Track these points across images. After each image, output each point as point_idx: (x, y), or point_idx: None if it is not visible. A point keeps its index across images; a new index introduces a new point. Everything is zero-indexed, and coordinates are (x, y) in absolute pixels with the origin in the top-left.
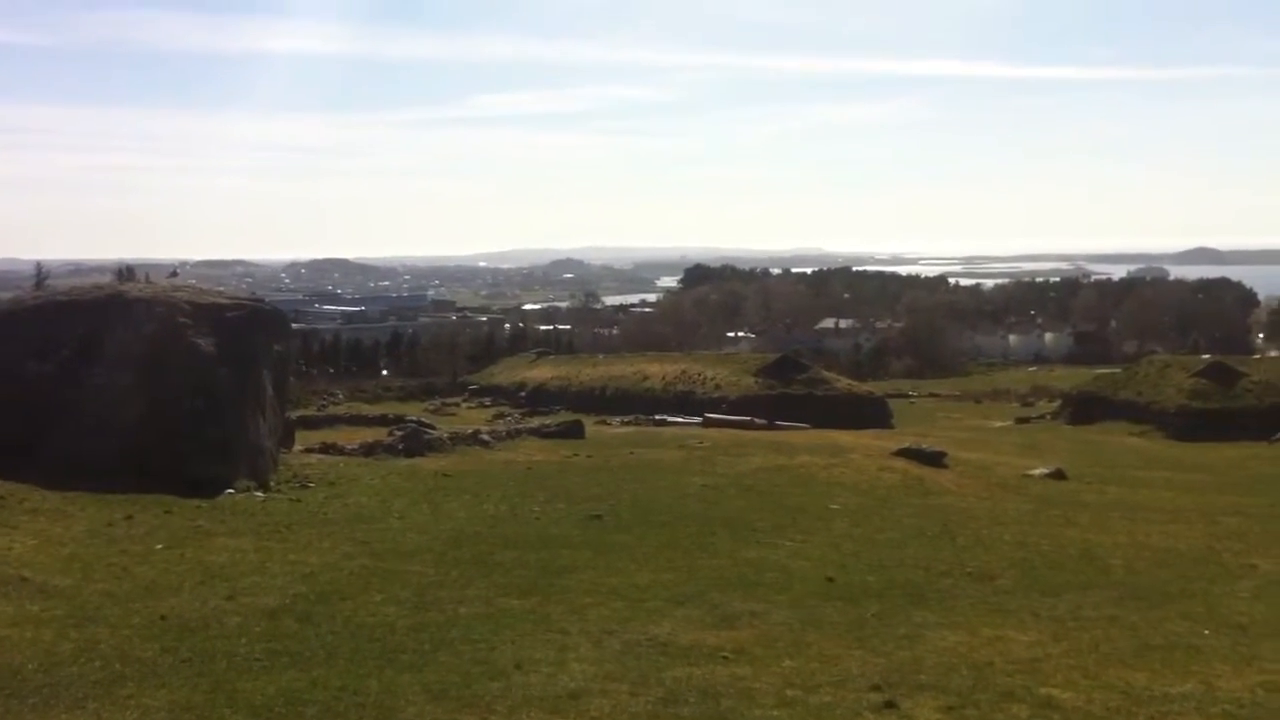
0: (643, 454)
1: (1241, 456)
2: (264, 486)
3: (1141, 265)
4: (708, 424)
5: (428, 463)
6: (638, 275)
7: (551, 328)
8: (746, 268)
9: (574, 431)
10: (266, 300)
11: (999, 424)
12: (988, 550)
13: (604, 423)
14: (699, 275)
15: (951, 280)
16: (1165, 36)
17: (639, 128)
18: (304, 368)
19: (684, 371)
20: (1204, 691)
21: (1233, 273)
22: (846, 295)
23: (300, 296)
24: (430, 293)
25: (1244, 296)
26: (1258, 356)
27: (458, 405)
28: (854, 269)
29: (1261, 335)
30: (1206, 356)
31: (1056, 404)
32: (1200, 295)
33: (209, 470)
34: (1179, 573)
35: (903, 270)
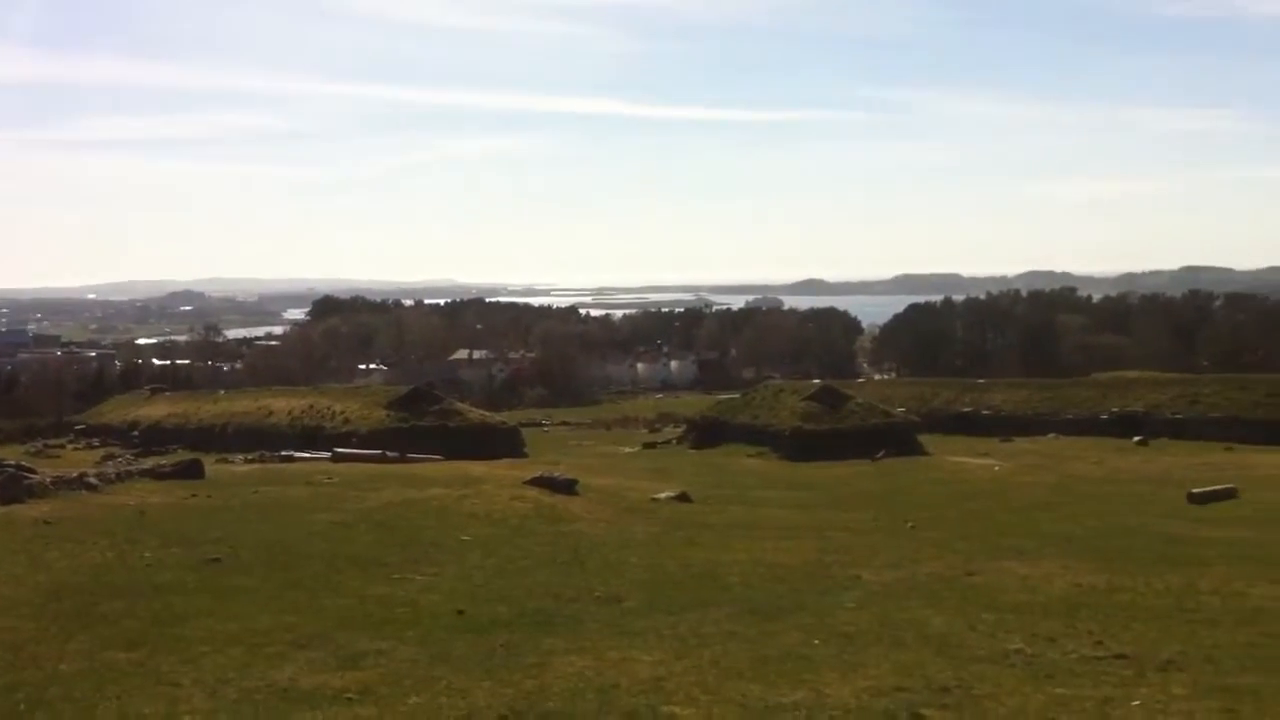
0: (267, 492)
1: (848, 474)
2: None
3: (758, 296)
4: (337, 459)
5: (27, 510)
6: (263, 308)
7: (169, 363)
8: (378, 299)
9: (192, 471)
10: None
11: (628, 450)
12: (616, 574)
13: (226, 461)
14: (328, 307)
15: (583, 311)
16: (776, 81)
17: (261, 155)
18: None
19: (312, 406)
20: (814, 699)
21: (839, 303)
22: (479, 326)
23: None
24: (32, 327)
25: (849, 325)
26: (862, 380)
27: (62, 447)
28: (487, 300)
29: (866, 363)
30: (817, 381)
31: (682, 429)
32: (811, 324)
33: None
34: (792, 586)
35: (535, 301)
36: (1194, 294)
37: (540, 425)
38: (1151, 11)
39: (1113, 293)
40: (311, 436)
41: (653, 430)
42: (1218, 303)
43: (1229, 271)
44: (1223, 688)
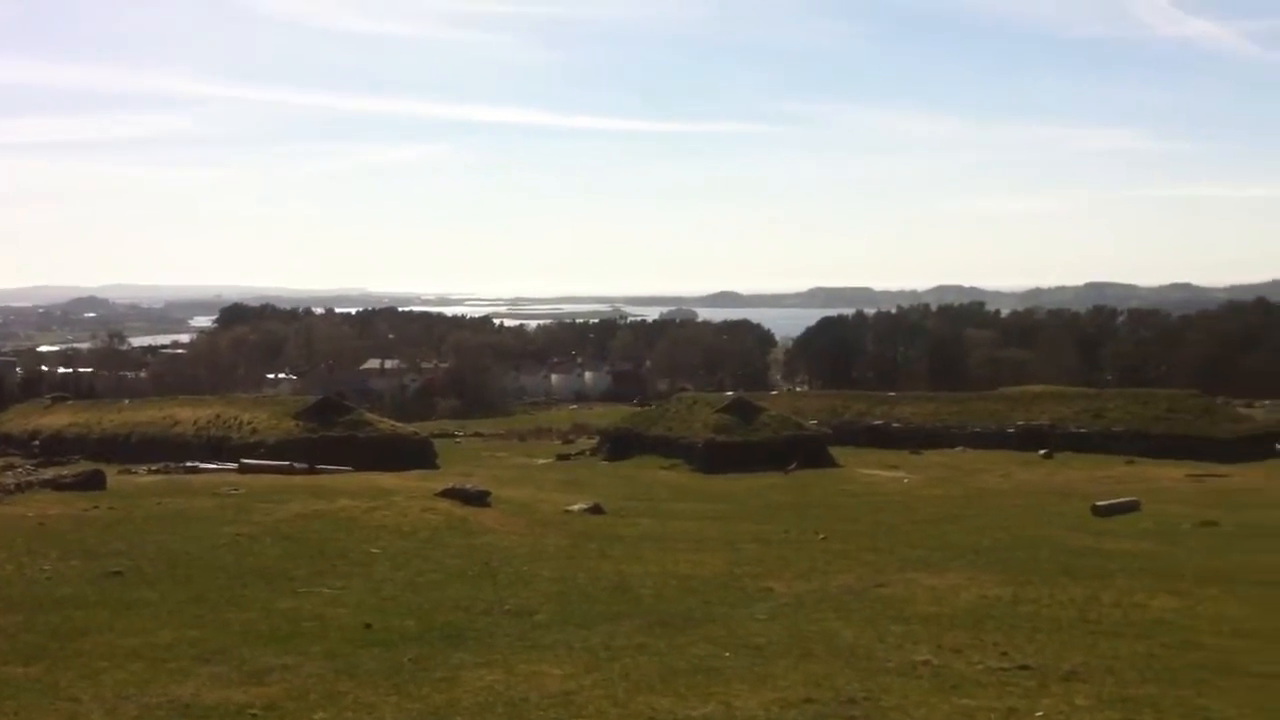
0: (171, 504)
1: (760, 486)
2: None
3: (673, 308)
4: (244, 470)
5: None
6: (169, 315)
7: (71, 371)
8: (287, 307)
9: (94, 482)
10: None
11: (542, 461)
12: (527, 587)
13: (129, 471)
14: (236, 315)
15: (497, 321)
16: (693, 93)
17: (170, 159)
18: None
19: (218, 415)
20: (724, 712)
21: (753, 315)
22: (392, 336)
23: None
24: None
25: (763, 337)
26: (775, 392)
27: None
28: (399, 309)
29: (779, 375)
30: (730, 393)
31: (596, 441)
32: (725, 336)
33: None
34: (704, 599)
35: (449, 311)
36: (1098, 310)
37: (453, 436)
38: (1065, 33)
39: (1020, 308)
40: (218, 447)
41: (566, 442)
42: (1121, 319)
43: (1133, 288)
44: (1123, 698)
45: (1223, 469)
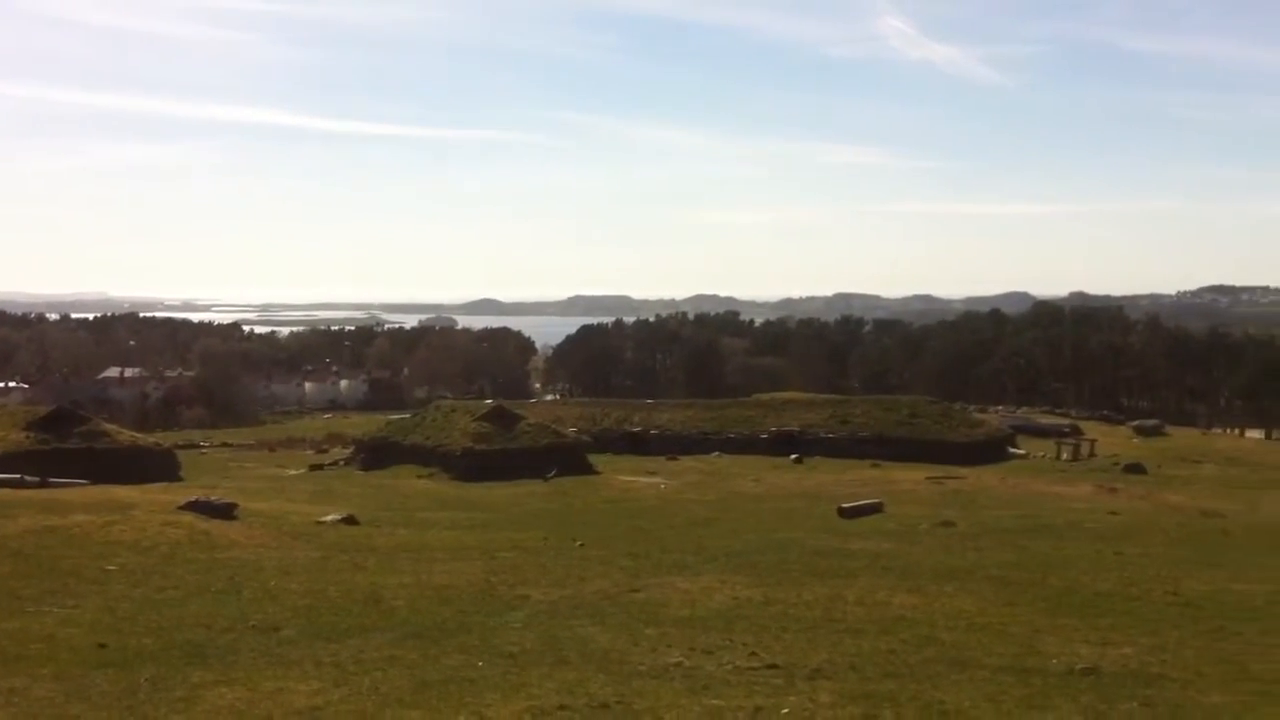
0: None
1: (519, 494)
2: None
3: (432, 315)
4: None
5: None
6: None
7: None
8: (19, 312)
9: None
10: None
11: (293, 472)
12: (274, 601)
13: None
14: None
15: (246, 328)
16: (453, 99)
17: None
18: None
19: None
20: None
21: (513, 323)
22: (133, 342)
23: None
24: None
25: (523, 345)
26: (535, 400)
27: None
28: (142, 315)
29: (539, 384)
30: (489, 401)
31: (350, 450)
32: (485, 344)
33: None
34: (459, 609)
35: (195, 317)
36: (846, 320)
37: (199, 447)
38: (818, 52)
39: (773, 317)
40: None
41: (320, 451)
42: (867, 328)
43: (877, 298)
44: (864, 694)
45: (959, 471)
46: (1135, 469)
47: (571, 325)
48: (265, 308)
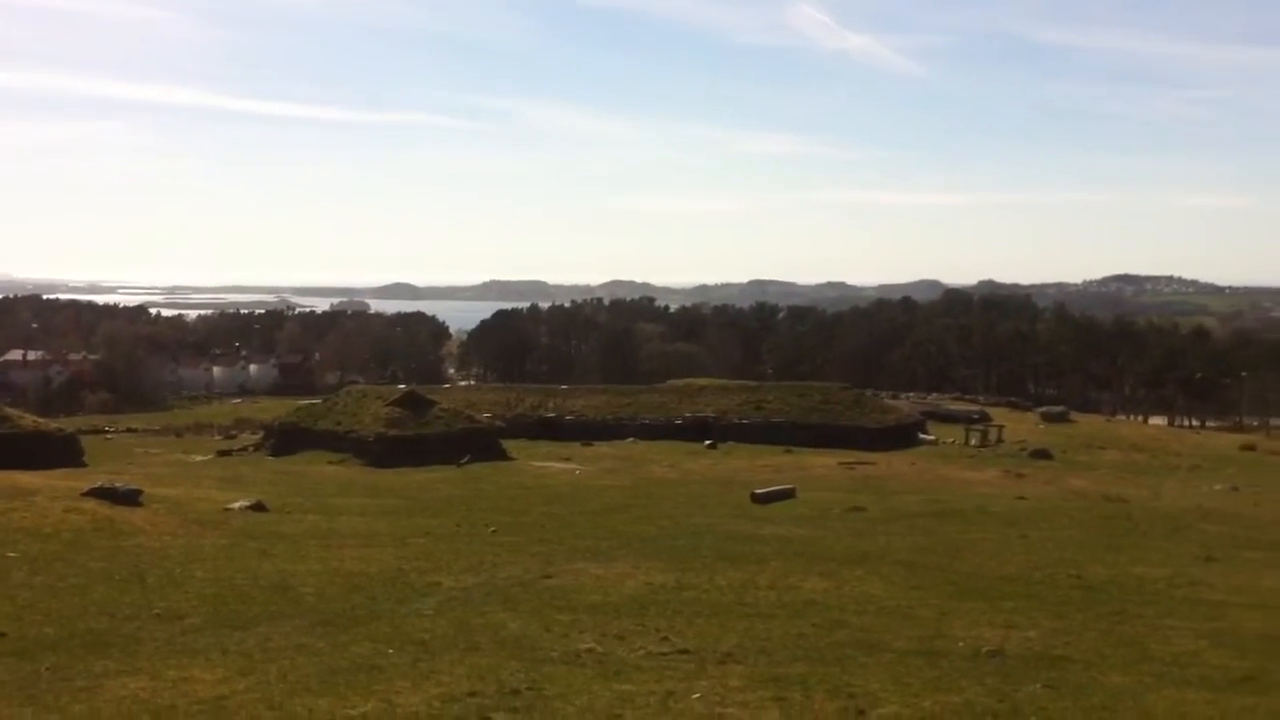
0: None
1: (432, 480)
2: None
3: (344, 299)
4: None
5: None
6: None
7: None
8: None
9: None
10: None
11: (201, 458)
12: (179, 589)
13: None
14: None
15: (153, 311)
16: (370, 82)
17: None
18: None
19: None
20: (385, 709)
21: (427, 307)
22: (35, 325)
23: None
24: None
25: (437, 330)
26: (449, 386)
27: None
28: (45, 297)
29: (453, 369)
30: (403, 386)
31: (260, 436)
32: (398, 328)
33: None
34: (369, 596)
35: (100, 299)
36: (761, 307)
37: (104, 433)
38: (735, 40)
39: (688, 304)
40: None
41: (228, 437)
42: (781, 315)
43: (792, 285)
44: (774, 677)
45: (871, 457)
46: (1042, 455)
47: (487, 310)
48: (172, 290)
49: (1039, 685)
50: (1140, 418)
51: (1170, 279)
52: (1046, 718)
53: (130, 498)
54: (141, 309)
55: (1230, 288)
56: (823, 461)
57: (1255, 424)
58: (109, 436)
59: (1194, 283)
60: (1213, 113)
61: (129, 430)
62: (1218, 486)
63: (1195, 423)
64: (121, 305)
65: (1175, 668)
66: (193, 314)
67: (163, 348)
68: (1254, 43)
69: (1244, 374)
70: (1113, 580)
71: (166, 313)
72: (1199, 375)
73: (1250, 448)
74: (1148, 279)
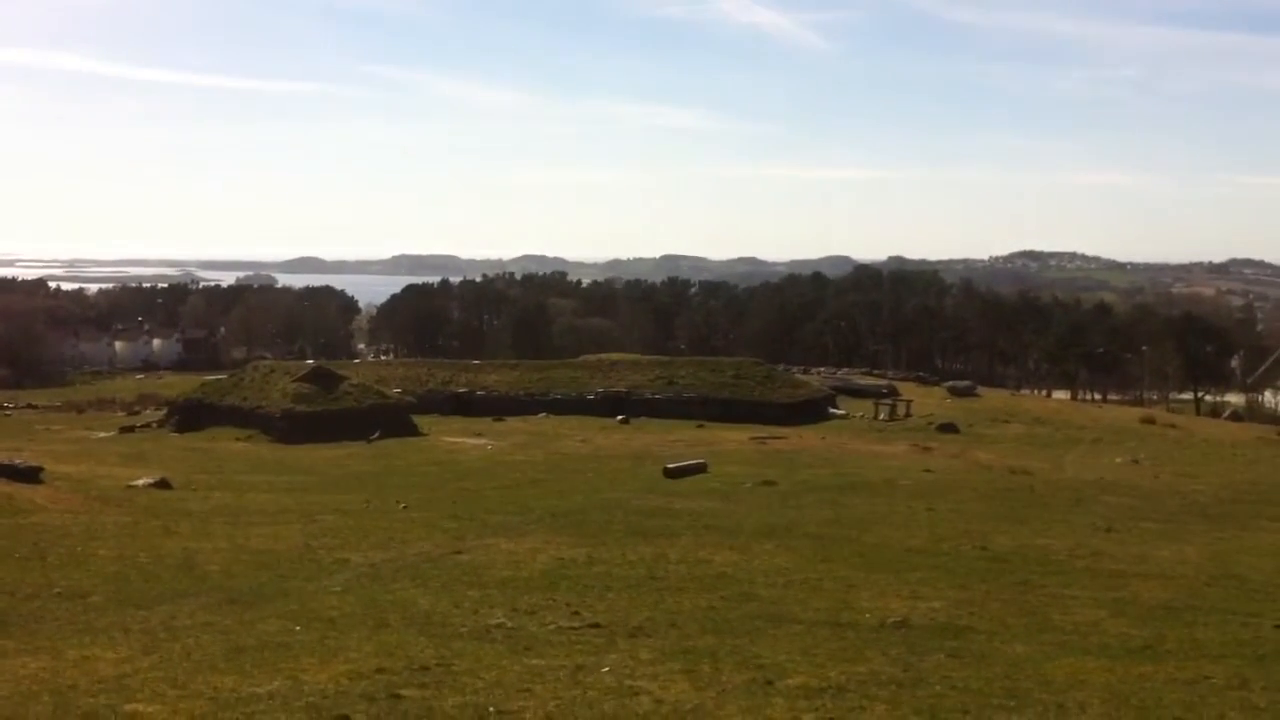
0: None
1: (341, 456)
2: None
3: (250, 272)
4: None
5: None
6: None
7: None
8: None
9: None
10: None
11: (103, 434)
12: (81, 567)
13: None
14: None
15: (52, 284)
16: (273, 50)
17: None
18: None
19: None
20: (291, 687)
21: (336, 281)
22: None
23: None
24: None
25: (346, 304)
26: (358, 361)
27: None
28: None
29: (363, 344)
30: (311, 361)
31: (164, 412)
32: (306, 303)
33: None
34: (277, 573)
35: None
36: (673, 281)
37: (2, 409)
38: (645, 12)
39: (601, 278)
40: None
41: (131, 413)
42: (693, 290)
43: (704, 261)
44: (684, 650)
45: (782, 431)
46: (948, 429)
47: (396, 284)
48: (72, 264)
49: (943, 655)
50: (1044, 392)
51: (1074, 255)
52: (950, 686)
53: (31, 475)
54: (40, 282)
55: (1131, 264)
56: (734, 436)
57: (1155, 398)
58: (8, 413)
59: (1096, 259)
60: (1118, 92)
61: (29, 406)
62: (1118, 459)
63: (1097, 396)
64: (19, 279)
65: (1076, 636)
66: (94, 287)
67: (63, 322)
68: (1162, 23)
69: (1144, 349)
70: (1016, 551)
71: (66, 286)
72: (1101, 350)
73: (1150, 421)
74: (1052, 255)
